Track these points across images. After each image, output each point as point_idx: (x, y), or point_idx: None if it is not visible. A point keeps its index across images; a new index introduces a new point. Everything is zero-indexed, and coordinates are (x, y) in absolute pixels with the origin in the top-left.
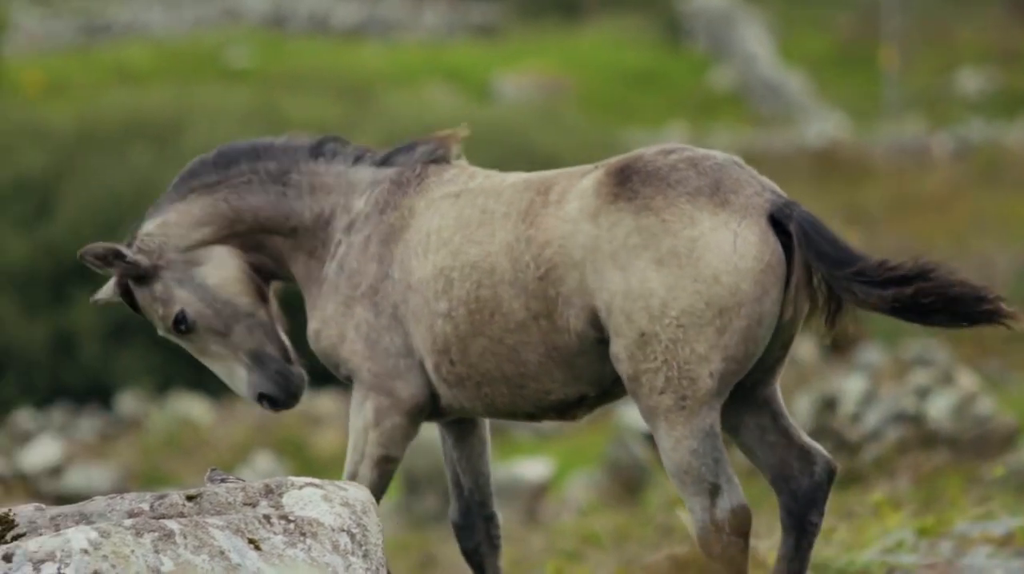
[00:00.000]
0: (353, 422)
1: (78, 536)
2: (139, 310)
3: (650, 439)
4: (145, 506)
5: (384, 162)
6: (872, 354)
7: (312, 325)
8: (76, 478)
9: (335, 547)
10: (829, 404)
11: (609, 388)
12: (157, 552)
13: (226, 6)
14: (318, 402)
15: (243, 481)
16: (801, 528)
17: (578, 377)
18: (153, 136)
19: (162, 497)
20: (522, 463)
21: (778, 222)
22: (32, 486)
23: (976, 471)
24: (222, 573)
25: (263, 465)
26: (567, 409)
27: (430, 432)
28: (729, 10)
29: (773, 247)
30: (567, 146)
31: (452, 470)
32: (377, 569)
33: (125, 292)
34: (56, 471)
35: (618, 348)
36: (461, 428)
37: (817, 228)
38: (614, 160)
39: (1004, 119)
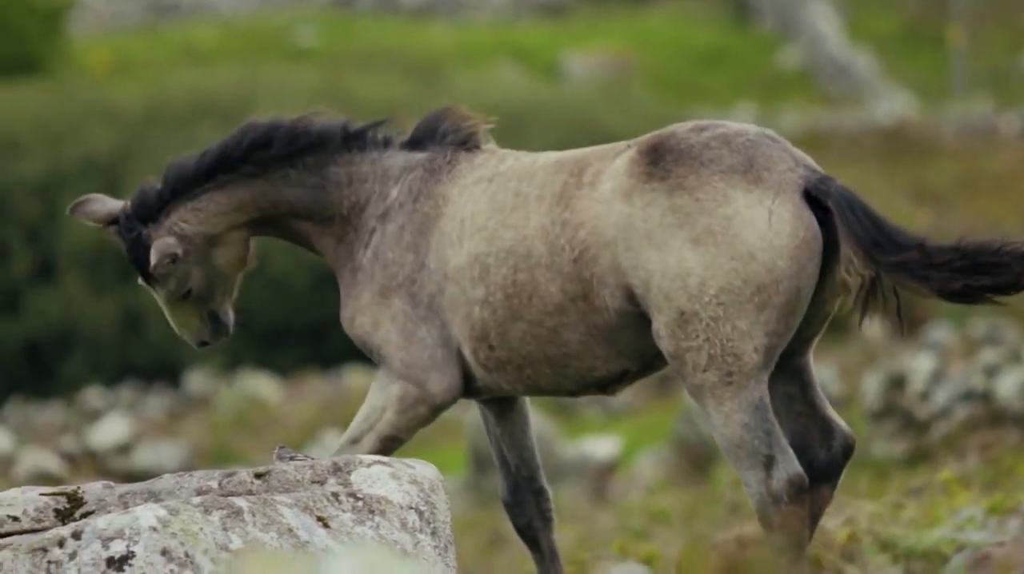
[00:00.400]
0: (373, 397)
1: (147, 514)
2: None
3: None
4: (214, 484)
5: (412, 145)
6: (941, 332)
7: (346, 312)
8: (145, 456)
9: (403, 525)
10: (898, 383)
11: (650, 362)
12: (226, 530)
13: None
14: None
15: (311, 459)
16: (811, 499)
17: (620, 353)
18: (220, 115)
19: (230, 475)
20: (590, 441)
21: (813, 197)
22: (101, 464)
23: None
24: (291, 550)
25: (331, 443)
26: (609, 384)
27: None
28: None
29: (808, 223)
30: (634, 126)
31: (497, 448)
32: (445, 547)
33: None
34: (125, 449)
35: (658, 326)
36: (501, 405)
37: (855, 205)
38: (646, 138)
39: None
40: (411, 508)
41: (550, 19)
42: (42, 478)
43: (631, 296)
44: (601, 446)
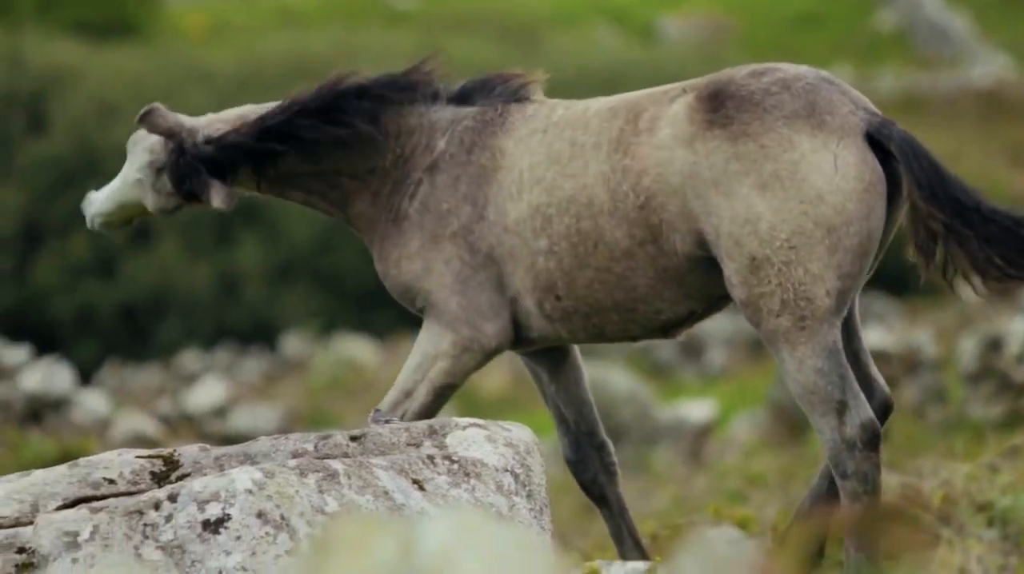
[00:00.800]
0: (422, 346)
1: (242, 476)
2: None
3: None
4: (309, 446)
5: (460, 99)
6: None
7: (388, 260)
8: (241, 419)
9: (499, 487)
10: (994, 345)
11: (715, 302)
12: (321, 492)
13: None
14: None
15: (407, 422)
16: None
17: (688, 294)
18: (315, 78)
19: (326, 437)
20: (686, 404)
21: (875, 141)
22: (197, 427)
23: None
24: (386, 513)
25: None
26: (673, 327)
27: (593, 372)
28: None
29: (872, 166)
30: None
31: (554, 406)
32: (540, 509)
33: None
34: (221, 412)
35: (730, 272)
36: (553, 360)
37: (919, 151)
38: (702, 83)
39: None
40: (506, 471)
41: None
42: (138, 441)
43: (702, 242)
44: (697, 409)
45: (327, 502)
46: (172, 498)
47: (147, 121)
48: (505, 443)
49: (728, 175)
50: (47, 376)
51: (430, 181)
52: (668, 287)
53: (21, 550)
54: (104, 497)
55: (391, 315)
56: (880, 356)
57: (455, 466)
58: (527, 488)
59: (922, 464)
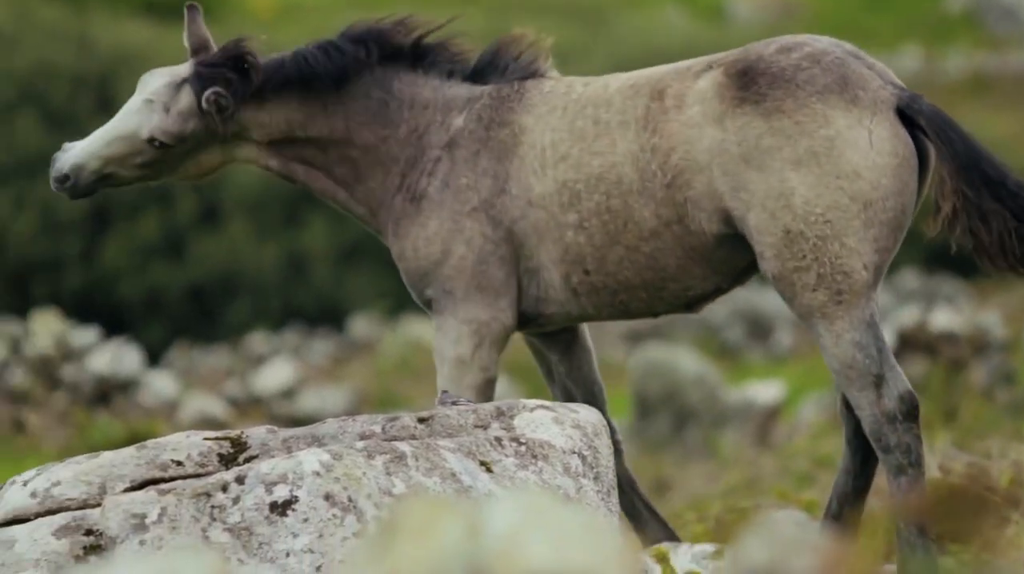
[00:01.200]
0: (445, 350)
1: (310, 458)
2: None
3: None
4: (377, 428)
5: (474, 77)
6: None
7: (405, 242)
8: (309, 400)
9: (566, 470)
10: None
11: (740, 276)
12: (389, 474)
13: None
14: None
15: (474, 404)
16: (869, 447)
17: (716, 271)
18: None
19: (394, 419)
20: (754, 386)
21: (905, 115)
22: (265, 409)
23: None
24: (453, 495)
25: (496, 387)
26: (698, 302)
27: (661, 355)
28: None
29: (905, 140)
30: None
31: (562, 388)
32: (608, 492)
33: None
34: (289, 394)
35: (763, 248)
36: (563, 341)
37: (950, 124)
38: (730, 59)
39: None
40: (574, 453)
41: None
42: (206, 423)
43: (728, 219)
44: (765, 391)
45: (395, 484)
46: (240, 480)
47: (193, 17)
48: (573, 425)
49: (761, 150)
50: (116, 358)
51: (450, 158)
52: (697, 265)
53: (89, 532)
54: (172, 479)
55: None
56: (948, 338)
57: (523, 448)
58: (594, 470)
59: (990, 445)
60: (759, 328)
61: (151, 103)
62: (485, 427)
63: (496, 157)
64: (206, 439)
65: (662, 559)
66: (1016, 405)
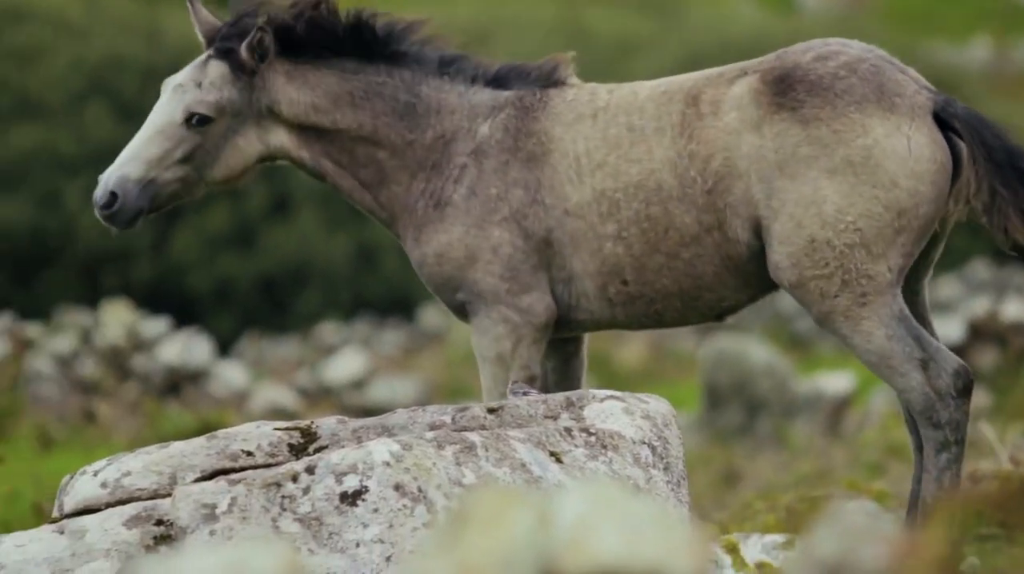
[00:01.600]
0: (486, 351)
1: (380, 448)
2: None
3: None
4: (447, 419)
5: (497, 83)
6: None
7: (428, 248)
8: (379, 391)
9: (636, 460)
10: None
11: (767, 287)
12: (459, 465)
13: None
14: None
15: (544, 394)
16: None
17: (748, 282)
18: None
19: (464, 410)
20: (824, 376)
21: (941, 119)
22: (335, 399)
23: None
24: (523, 486)
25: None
26: (728, 313)
27: (732, 345)
28: None
29: (942, 145)
30: None
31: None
32: (678, 482)
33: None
34: (359, 384)
35: (780, 257)
36: (568, 351)
37: (985, 124)
38: (766, 66)
39: None
40: (644, 443)
41: None
42: (277, 413)
43: (757, 228)
44: (835, 381)
45: (464, 474)
46: (310, 470)
47: (196, 8)
48: (643, 415)
49: (797, 159)
50: (186, 348)
51: (476, 166)
52: (732, 275)
53: (159, 522)
54: (242, 469)
55: None
56: (1019, 328)
57: (592, 438)
58: (664, 460)
59: None
60: None
61: (181, 87)
62: (555, 417)
63: (527, 167)
64: (276, 429)
65: (732, 549)
66: None
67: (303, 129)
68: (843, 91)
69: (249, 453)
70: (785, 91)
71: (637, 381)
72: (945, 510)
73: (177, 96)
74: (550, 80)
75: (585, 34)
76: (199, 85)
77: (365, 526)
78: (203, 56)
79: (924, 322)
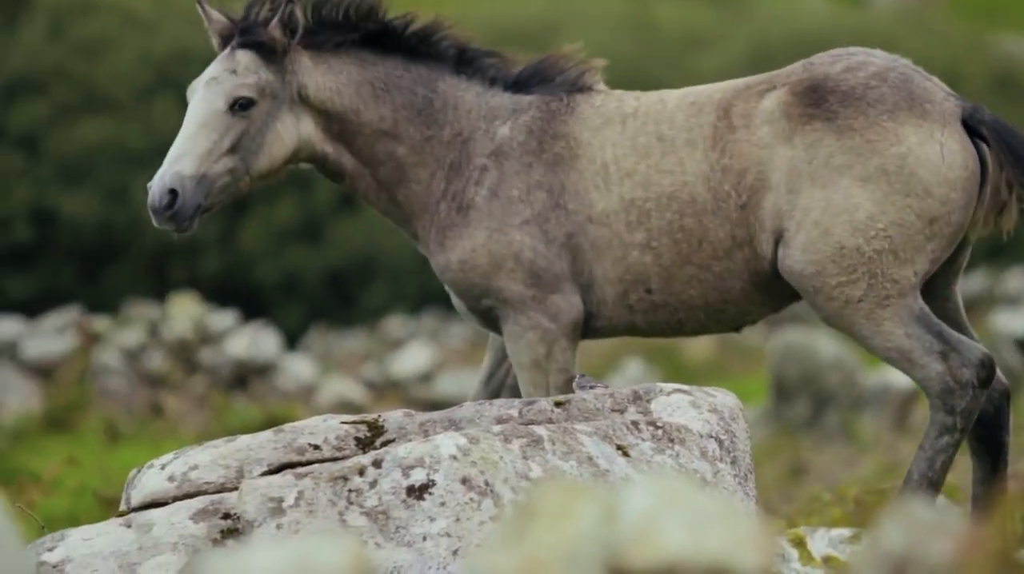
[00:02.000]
0: (521, 357)
1: (447, 442)
2: None
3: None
4: (514, 412)
5: (517, 87)
6: None
7: (452, 254)
8: (446, 384)
9: (703, 454)
10: None
11: (791, 300)
12: (525, 458)
13: None
14: None
15: (611, 387)
16: (996, 454)
17: (773, 296)
18: (524, 44)
19: (531, 403)
20: (891, 370)
21: (968, 126)
22: (403, 392)
23: None
24: (590, 479)
25: (632, 372)
26: (746, 324)
27: (799, 338)
28: None
29: (972, 152)
30: (936, 53)
31: (494, 358)
32: (745, 476)
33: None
34: (427, 377)
35: (802, 265)
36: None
37: (1011, 131)
38: (795, 78)
39: None
40: (711, 437)
41: None
42: (344, 406)
43: (779, 241)
44: (903, 375)
45: (531, 468)
46: (377, 464)
47: (204, 9)
48: (710, 409)
49: (830, 168)
50: (253, 342)
51: (497, 167)
52: (758, 291)
53: (226, 516)
54: (309, 463)
55: None
56: None
57: (659, 432)
58: (731, 454)
59: None
60: None
61: (215, 79)
62: (622, 411)
63: (551, 170)
64: (343, 423)
65: (799, 543)
66: None
67: (329, 120)
68: (875, 100)
69: (316, 447)
70: (818, 101)
71: (705, 375)
72: (1010, 503)
73: (214, 88)
74: (575, 86)
75: (653, 28)
76: (234, 72)
77: (432, 520)
78: (226, 51)
79: (960, 328)
